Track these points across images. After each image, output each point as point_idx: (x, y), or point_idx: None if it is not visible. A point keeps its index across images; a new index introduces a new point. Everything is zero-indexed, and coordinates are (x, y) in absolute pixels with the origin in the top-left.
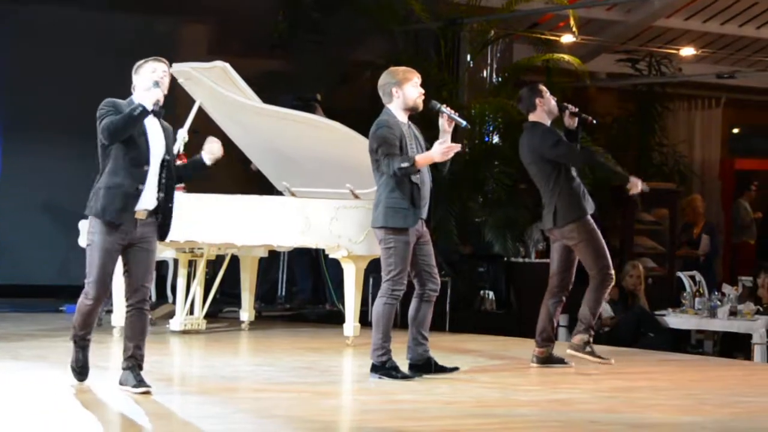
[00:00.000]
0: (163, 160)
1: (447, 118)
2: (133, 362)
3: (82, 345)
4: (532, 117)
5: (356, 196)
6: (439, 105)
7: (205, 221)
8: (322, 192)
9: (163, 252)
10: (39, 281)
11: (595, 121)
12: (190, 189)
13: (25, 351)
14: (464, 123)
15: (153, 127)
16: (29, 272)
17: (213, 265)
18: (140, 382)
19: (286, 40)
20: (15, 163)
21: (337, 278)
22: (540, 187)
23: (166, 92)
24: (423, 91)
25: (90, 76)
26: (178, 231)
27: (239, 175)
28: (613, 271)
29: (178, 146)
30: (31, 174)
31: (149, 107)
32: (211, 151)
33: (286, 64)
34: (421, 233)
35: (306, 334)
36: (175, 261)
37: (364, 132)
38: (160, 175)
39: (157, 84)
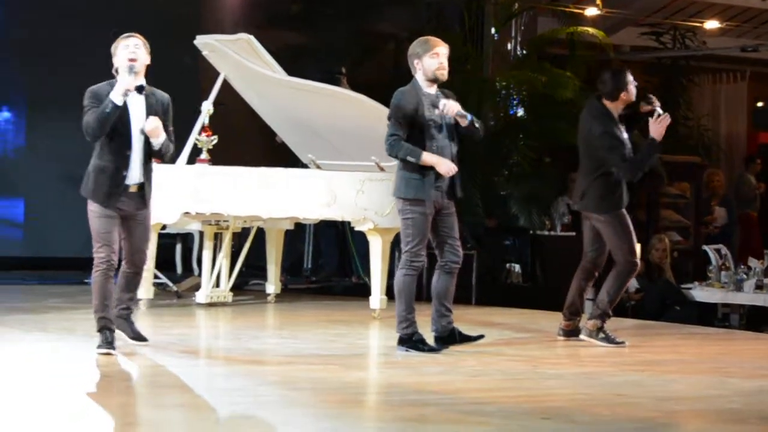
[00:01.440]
0: (145, 136)
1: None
2: (128, 312)
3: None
4: (607, 103)
5: (382, 169)
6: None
7: (231, 194)
8: (347, 165)
9: (189, 224)
10: (64, 254)
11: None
12: (215, 161)
13: (52, 323)
14: (468, 116)
15: (135, 106)
16: (55, 245)
17: (239, 238)
18: (137, 334)
19: (304, 12)
20: (39, 137)
21: (363, 251)
22: (581, 164)
23: (146, 61)
24: (443, 62)
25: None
26: (203, 203)
27: (264, 148)
28: (638, 260)
29: (203, 119)
30: (55, 147)
31: (119, 101)
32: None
33: (311, 38)
34: (441, 205)
35: (332, 306)
36: (201, 234)
37: (388, 104)
38: (143, 150)
39: (132, 69)
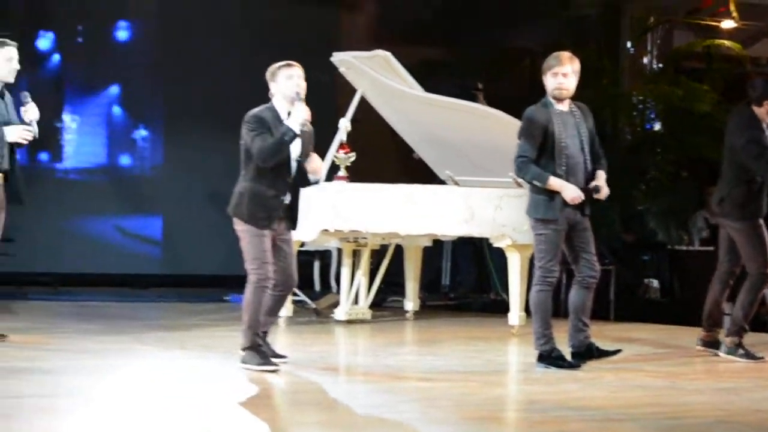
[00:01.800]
0: (297, 163)
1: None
2: (267, 333)
3: (259, 341)
4: (756, 109)
5: (519, 185)
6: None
7: (369, 211)
8: (485, 181)
9: (328, 242)
10: (203, 271)
11: None
12: (353, 179)
13: (191, 341)
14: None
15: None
16: (193, 262)
17: (377, 255)
18: (275, 353)
19: (439, 28)
20: (177, 154)
21: (501, 267)
22: (723, 171)
23: (303, 95)
24: (562, 82)
25: (248, 67)
26: (342, 221)
27: (402, 164)
28: None
29: (341, 136)
30: (193, 164)
31: (298, 129)
32: (313, 171)
33: (446, 53)
34: (575, 220)
35: (470, 323)
36: (339, 251)
37: None
38: (295, 177)
39: (298, 95)
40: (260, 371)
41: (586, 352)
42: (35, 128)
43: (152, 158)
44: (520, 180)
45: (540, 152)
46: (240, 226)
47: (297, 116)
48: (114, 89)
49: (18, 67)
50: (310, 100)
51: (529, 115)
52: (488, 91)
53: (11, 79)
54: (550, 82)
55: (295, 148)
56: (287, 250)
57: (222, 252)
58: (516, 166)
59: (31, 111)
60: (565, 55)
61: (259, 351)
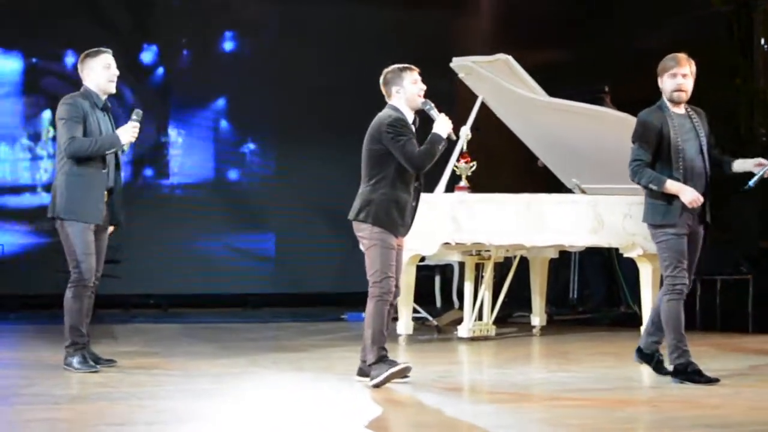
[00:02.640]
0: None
1: None
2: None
3: (385, 353)
4: None
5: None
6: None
7: (492, 222)
8: (613, 188)
9: (448, 255)
10: (317, 289)
11: None
12: (474, 188)
13: (308, 362)
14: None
15: None
16: (307, 280)
17: (501, 268)
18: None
19: (560, 29)
20: (287, 166)
21: (632, 278)
22: None
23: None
24: (680, 83)
25: (361, 75)
26: (464, 233)
27: (525, 173)
28: None
29: (461, 144)
30: (305, 178)
31: (444, 135)
32: None
33: (571, 55)
34: (692, 228)
35: (600, 338)
36: (461, 264)
37: None
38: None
39: (426, 102)
40: (394, 374)
41: (648, 357)
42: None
43: (262, 172)
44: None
45: (656, 157)
46: (371, 234)
47: (444, 125)
48: (221, 102)
49: (117, 73)
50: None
51: (643, 119)
52: (616, 95)
53: (113, 89)
54: (668, 83)
55: None
56: (401, 259)
57: (337, 269)
58: (630, 171)
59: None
60: (683, 56)
61: (387, 360)
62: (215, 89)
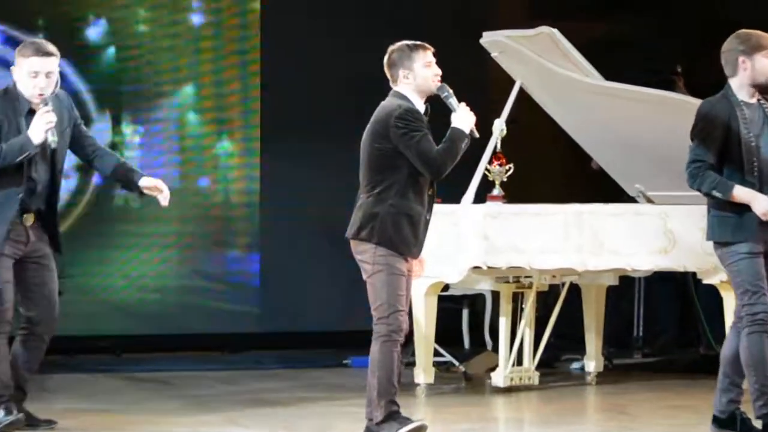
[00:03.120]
0: None
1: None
2: None
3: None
4: None
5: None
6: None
7: (534, 240)
8: (689, 196)
9: (479, 283)
10: (312, 328)
11: None
12: (511, 198)
13: (301, 421)
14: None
15: None
16: (301, 316)
17: (545, 299)
18: None
19: None
20: (275, 173)
21: (714, 311)
22: None
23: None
24: None
25: (361, 56)
26: (498, 254)
27: (574, 177)
28: None
29: (494, 143)
30: (295, 183)
31: (467, 131)
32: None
33: (633, 28)
34: None
35: (673, 387)
36: (494, 294)
37: None
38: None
39: (444, 88)
40: None
41: (729, 422)
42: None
43: (242, 179)
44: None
45: (722, 158)
46: (375, 257)
47: (465, 118)
48: (188, 89)
49: (52, 81)
50: (455, 94)
51: (705, 110)
52: (691, 77)
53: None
54: (763, 65)
55: None
56: (410, 287)
57: (339, 301)
58: (688, 175)
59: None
60: None
61: (398, 417)
62: (181, 73)
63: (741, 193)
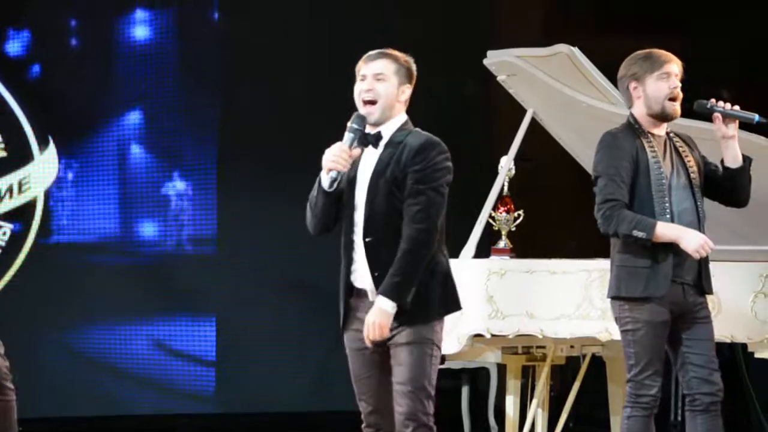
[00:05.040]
0: None
1: (722, 117)
2: None
3: None
4: None
5: None
6: (707, 102)
7: (549, 303)
8: (739, 250)
9: (482, 354)
10: (283, 408)
11: None
12: (521, 252)
13: None
14: (756, 117)
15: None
16: (267, 394)
17: (562, 374)
18: None
19: (660, 7)
20: (235, 216)
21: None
22: None
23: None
24: (677, 85)
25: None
26: (504, 320)
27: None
28: None
29: (500, 184)
30: (260, 233)
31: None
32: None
33: (669, 45)
34: (686, 306)
35: None
36: (500, 368)
37: None
38: None
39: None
40: None
41: None
42: None
43: (196, 225)
44: None
45: (630, 196)
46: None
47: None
48: (133, 117)
49: None
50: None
51: (607, 141)
52: (739, 103)
53: None
54: (656, 88)
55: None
56: None
57: (311, 376)
58: (600, 218)
59: None
60: (668, 53)
61: None
62: (124, 98)
63: (667, 229)
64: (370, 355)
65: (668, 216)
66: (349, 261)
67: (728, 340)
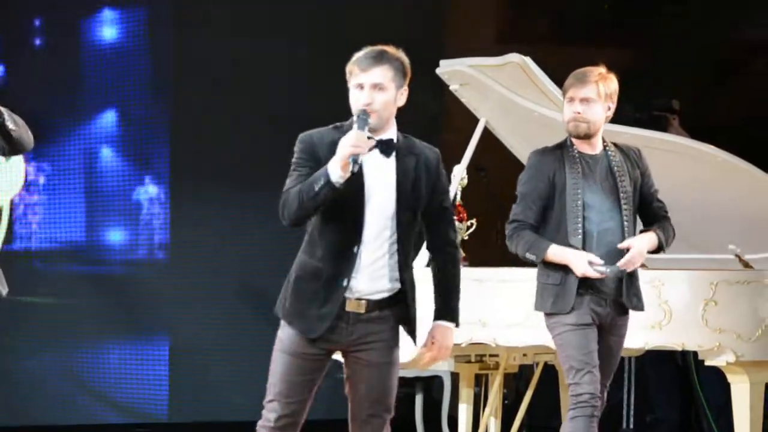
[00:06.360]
0: None
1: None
2: None
3: None
4: None
5: (746, 264)
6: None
7: (500, 311)
8: (688, 259)
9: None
10: (234, 417)
11: None
12: (474, 261)
13: None
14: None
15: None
16: (223, 404)
17: (515, 382)
18: None
19: (615, 14)
20: (189, 229)
21: (720, 399)
22: None
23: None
24: (578, 110)
25: (298, 80)
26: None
27: None
28: None
29: (454, 192)
30: (213, 243)
31: (332, 173)
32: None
33: (622, 54)
34: (608, 319)
35: None
36: (454, 377)
37: (755, 158)
38: None
39: (362, 117)
40: None
41: None
42: None
43: (154, 237)
44: (749, 257)
45: (546, 215)
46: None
47: (340, 150)
48: (108, 117)
49: None
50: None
51: (531, 161)
52: (690, 115)
53: None
54: (565, 110)
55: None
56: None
57: (261, 385)
58: (506, 236)
59: None
60: (591, 70)
61: None
62: (95, 100)
63: (555, 253)
64: (322, 360)
65: (579, 237)
66: (342, 271)
67: (679, 348)
